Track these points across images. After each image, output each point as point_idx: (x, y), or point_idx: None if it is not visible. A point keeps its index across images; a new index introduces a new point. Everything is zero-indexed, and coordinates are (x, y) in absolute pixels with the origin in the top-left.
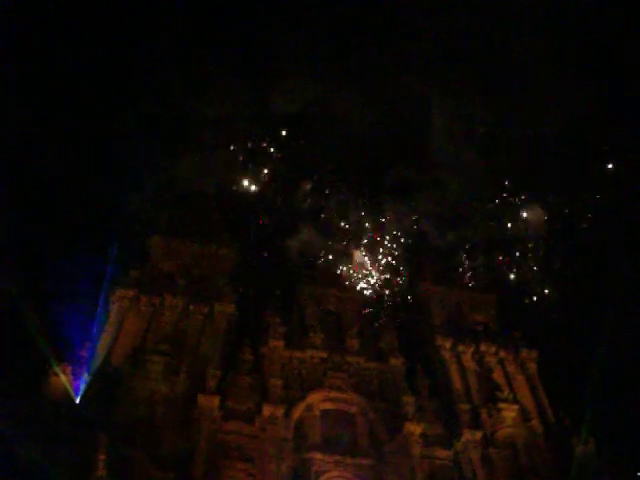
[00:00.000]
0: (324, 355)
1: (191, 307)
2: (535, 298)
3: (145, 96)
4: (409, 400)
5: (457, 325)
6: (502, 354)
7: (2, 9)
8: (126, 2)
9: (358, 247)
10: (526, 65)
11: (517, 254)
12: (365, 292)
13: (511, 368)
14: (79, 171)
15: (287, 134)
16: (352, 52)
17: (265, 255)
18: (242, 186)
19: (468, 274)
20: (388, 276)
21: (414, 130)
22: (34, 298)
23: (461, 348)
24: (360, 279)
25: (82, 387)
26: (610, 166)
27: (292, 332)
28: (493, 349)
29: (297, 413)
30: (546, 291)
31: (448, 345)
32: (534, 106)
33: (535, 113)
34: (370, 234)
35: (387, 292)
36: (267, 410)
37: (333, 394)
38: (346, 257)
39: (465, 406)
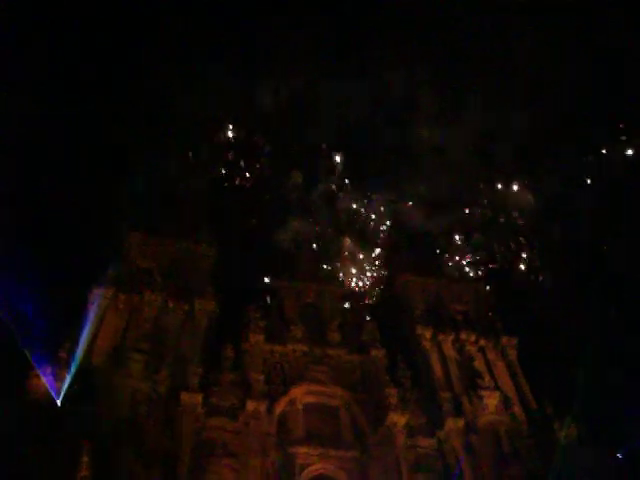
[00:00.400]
0: (305, 349)
1: (171, 304)
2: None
3: (134, 91)
4: (391, 391)
5: (437, 314)
6: (482, 342)
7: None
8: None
9: (347, 235)
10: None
11: (510, 244)
12: (346, 284)
13: (492, 355)
14: (57, 165)
15: (276, 125)
16: (341, 42)
17: (246, 250)
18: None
19: (449, 263)
20: (369, 266)
21: (401, 116)
22: (11, 299)
23: (441, 337)
24: (341, 271)
25: (63, 388)
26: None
27: (273, 326)
28: (473, 337)
29: (280, 408)
30: (540, 278)
31: (428, 335)
32: (528, 94)
33: (530, 100)
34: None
35: (367, 283)
36: (250, 405)
37: (315, 387)
38: (333, 246)
39: (447, 394)
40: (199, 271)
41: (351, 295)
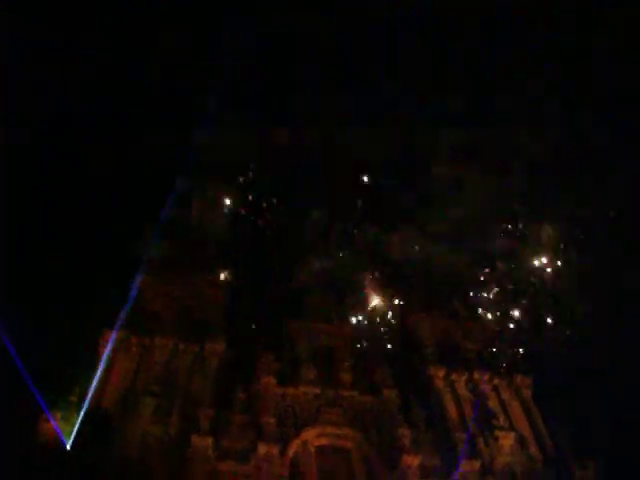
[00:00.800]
0: (317, 391)
1: (181, 346)
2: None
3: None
4: (405, 432)
5: (450, 353)
6: (496, 381)
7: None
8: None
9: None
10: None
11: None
12: (356, 324)
13: (506, 395)
14: (73, 206)
15: (294, 163)
16: (354, 81)
17: (258, 291)
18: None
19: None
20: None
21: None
22: (23, 343)
23: (454, 377)
24: (354, 310)
25: (73, 432)
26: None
27: (284, 368)
28: (487, 376)
29: (292, 450)
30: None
31: (441, 374)
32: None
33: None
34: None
35: (378, 323)
36: (262, 449)
37: (328, 430)
38: (349, 285)
39: (462, 435)
40: (209, 313)
41: (363, 335)
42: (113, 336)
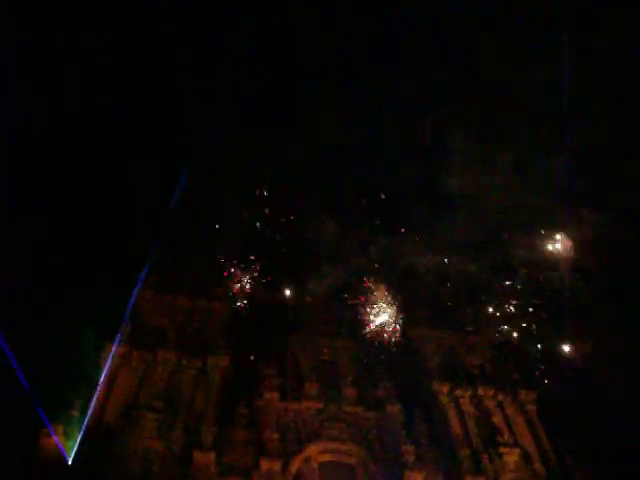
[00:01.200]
0: (320, 406)
1: (184, 361)
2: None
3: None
4: (409, 449)
5: (453, 369)
6: (500, 397)
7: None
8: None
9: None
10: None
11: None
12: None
13: (510, 411)
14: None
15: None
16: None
17: (260, 306)
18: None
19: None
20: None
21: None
22: (24, 357)
23: (459, 392)
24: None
25: (74, 447)
26: None
27: (287, 383)
28: (491, 392)
29: (295, 466)
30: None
31: (445, 390)
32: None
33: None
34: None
35: (384, 337)
36: (264, 464)
37: (331, 445)
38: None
39: (466, 452)
40: (212, 327)
41: (367, 350)
42: (115, 351)
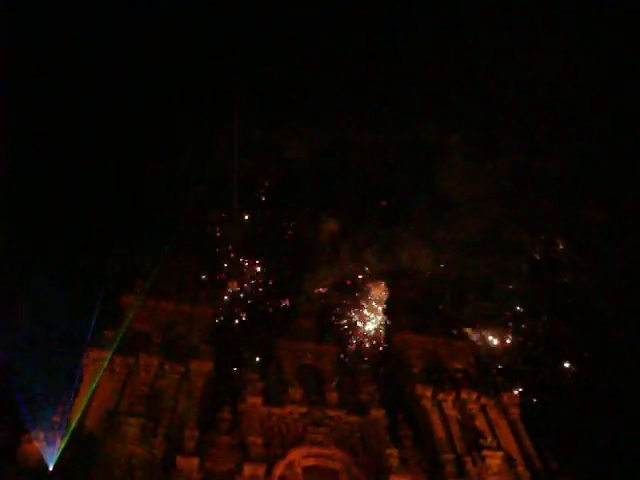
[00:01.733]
0: (304, 410)
1: (166, 366)
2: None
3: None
4: (392, 453)
5: (437, 372)
6: (483, 400)
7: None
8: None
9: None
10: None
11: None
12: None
13: (493, 414)
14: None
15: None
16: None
17: (243, 310)
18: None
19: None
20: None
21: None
22: (7, 363)
23: (442, 396)
24: (344, 328)
25: (56, 453)
26: None
27: (270, 388)
28: (474, 396)
29: (278, 471)
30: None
31: (428, 394)
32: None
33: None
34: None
35: (367, 342)
36: (248, 469)
37: (315, 450)
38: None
39: (449, 455)
40: (195, 332)
41: (350, 354)
42: (97, 355)
